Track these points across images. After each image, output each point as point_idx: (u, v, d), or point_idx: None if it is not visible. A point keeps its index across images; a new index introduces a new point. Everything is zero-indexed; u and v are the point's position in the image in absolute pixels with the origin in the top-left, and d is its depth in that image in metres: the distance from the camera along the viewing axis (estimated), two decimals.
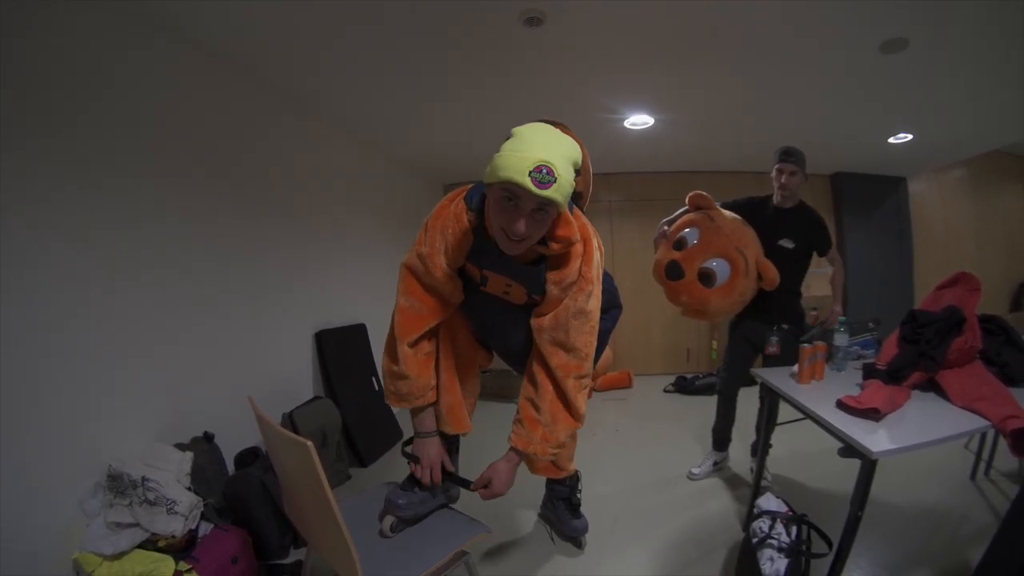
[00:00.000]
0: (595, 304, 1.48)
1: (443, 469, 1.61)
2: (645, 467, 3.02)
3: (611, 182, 5.41)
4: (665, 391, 4.88)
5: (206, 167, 2.38)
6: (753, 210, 2.54)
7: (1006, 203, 5.95)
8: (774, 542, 1.59)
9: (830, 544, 1.57)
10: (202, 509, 1.84)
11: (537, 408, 1.48)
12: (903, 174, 5.59)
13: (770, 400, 2.14)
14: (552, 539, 2.22)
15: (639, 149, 4.44)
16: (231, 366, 2.50)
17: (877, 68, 2.77)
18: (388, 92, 2.99)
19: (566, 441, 1.55)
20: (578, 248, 1.43)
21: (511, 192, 1.19)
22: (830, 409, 1.66)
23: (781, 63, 2.74)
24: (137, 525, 1.65)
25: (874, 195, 5.55)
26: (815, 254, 2.59)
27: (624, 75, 2.90)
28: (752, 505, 1.97)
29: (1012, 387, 1.67)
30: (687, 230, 2.43)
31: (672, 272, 2.39)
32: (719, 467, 2.86)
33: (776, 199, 2.53)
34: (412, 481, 1.60)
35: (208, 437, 2.20)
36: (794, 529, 1.63)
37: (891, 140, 4.29)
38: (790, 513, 1.70)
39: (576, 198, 1.56)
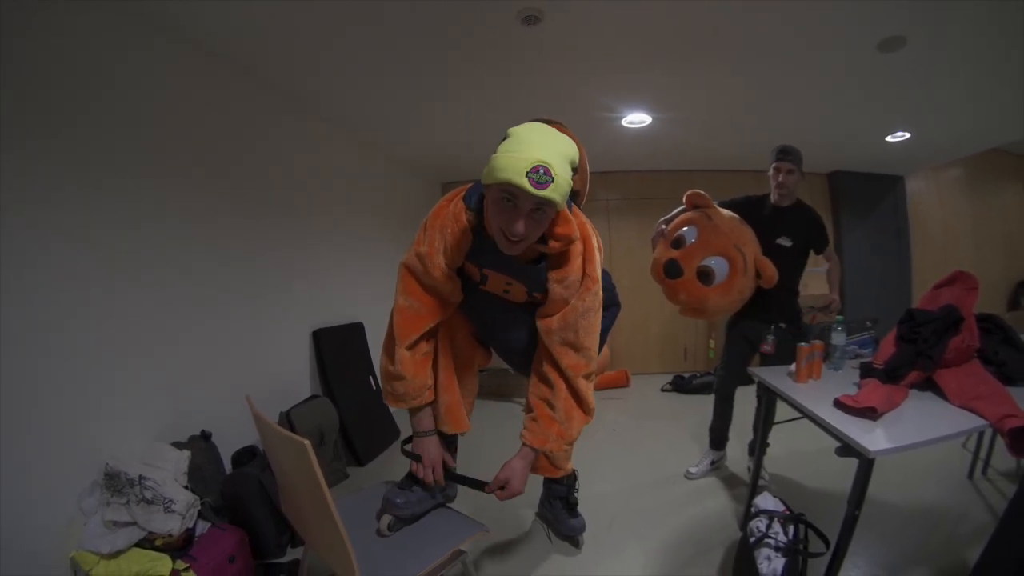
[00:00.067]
0: (600, 303, 1.51)
1: (446, 469, 1.61)
2: (642, 466, 3.02)
3: (609, 180, 5.41)
4: (662, 390, 4.88)
5: (206, 167, 2.39)
6: (751, 209, 2.54)
7: (1004, 202, 5.96)
8: (771, 541, 1.60)
9: (827, 543, 1.57)
10: (199, 508, 1.84)
11: (552, 407, 1.50)
12: (901, 173, 5.59)
13: (767, 399, 2.14)
14: (550, 538, 2.23)
15: (637, 147, 4.45)
16: (230, 366, 2.51)
17: (877, 67, 2.77)
18: (388, 92, 2.99)
19: (577, 437, 1.57)
20: (578, 246, 1.43)
21: (509, 193, 1.19)
22: (827, 408, 1.66)
23: (781, 63, 2.74)
24: (134, 524, 1.66)
25: (872, 194, 5.55)
26: (812, 252, 2.59)
27: (625, 75, 2.90)
28: (749, 504, 1.97)
29: (1010, 386, 1.67)
30: (685, 228, 2.44)
31: (671, 270, 2.39)
32: (716, 466, 2.86)
33: (773, 198, 2.54)
34: (410, 480, 1.61)
35: (205, 436, 2.20)
36: (791, 528, 1.63)
37: (888, 139, 4.30)
38: (787, 512, 1.70)
39: (573, 196, 1.56)
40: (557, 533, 2.22)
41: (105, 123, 1.89)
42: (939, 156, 5.08)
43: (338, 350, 3.38)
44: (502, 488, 1.50)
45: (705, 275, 2.34)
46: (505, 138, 1.23)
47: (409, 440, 1.67)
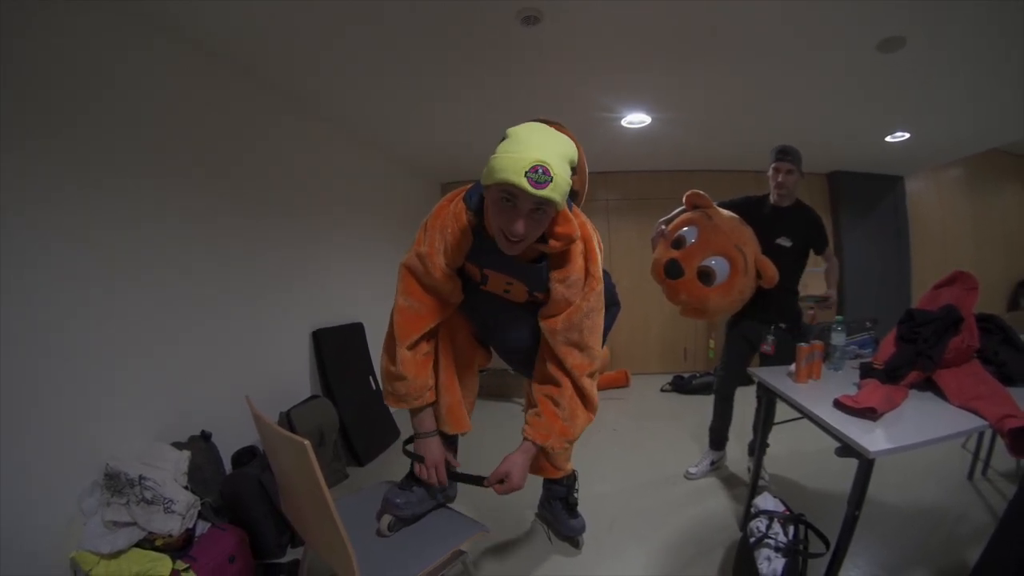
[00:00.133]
0: (603, 302, 1.52)
1: (448, 468, 1.61)
2: (642, 467, 3.02)
3: (608, 181, 5.41)
4: (662, 390, 4.88)
5: (206, 167, 2.39)
6: (750, 209, 2.54)
7: (1004, 202, 5.96)
8: (771, 542, 1.60)
9: (827, 544, 1.58)
10: (199, 508, 1.84)
11: (557, 404, 1.51)
12: (901, 173, 5.60)
13: (767, 399, 2.14)
14: (550, 539, 2.23)
15: (636, 148, 4.45)
16: (230, 366, 2.51)
17: (876, 67, 2.77)
18: (388, 92, 2.99)
19: (579, 436, 1.58)
20: (579, 245, 1.44)
21: (508, 193, 1.19)
22: (827, 408, 1.66)
23: (781, 63, 2.74)
24: (134, 524, 1.66)
25: (872, 194, 5.55)
26: (812, 252, 2.59)
27: (624, 75, 2.90)
28: (749, 504, 1.97)
29: (1010, 386, 1.67)
30: (685, 229, 2.44)
31: (671, 271, 2.39)
32: (716, 466, 2.86)
33: (773, 198, 2.54)
34: (410, 480, 1.61)
35: (205, 436, 2.20)
36: (791, 529, 1.63)
37: (888, 139, 4.30)
38: (787, 513, 1.70)
39: (572, 196, 1.57)
40: (557, 533, 2.22)
41: (105, 123, 1.89)
42: (939, 156, 5.08)
43: (338, 350, 3.38)
44: (501, 482, 1.49)
45: (706, 275, 2.34)
46: (504, 139, 1.24)
47: (410, 440, 1.67)
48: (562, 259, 1.43)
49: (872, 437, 1.44)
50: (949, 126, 3.96)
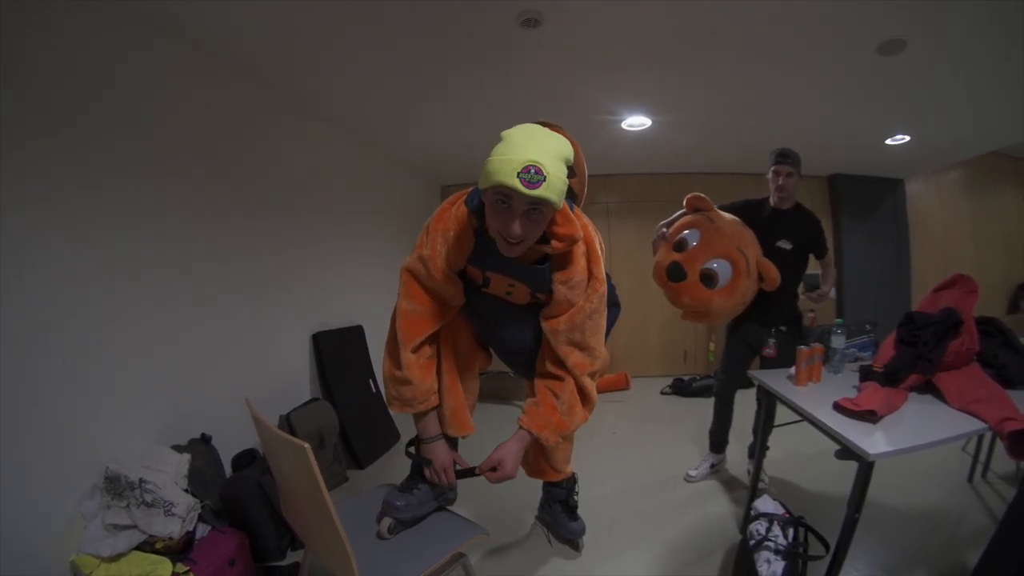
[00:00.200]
0: (605, 303, 1.53)
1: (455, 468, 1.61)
2: (642, 469, 3.02)
3: (608, 183, 5.41)
4: (662, 393, 4.88)
5: (206, 167, 2.39)
6: (750, 212, 2.54)
7: (1004, 204, 5.97)
8: (771, 544, 1.60)
9: (827, 546, 1.57)
10: (199, 511, 1.84)
11: (557, 396, 1.51)
12: (901, 176, 5.60)
13: (767, 402, 2.14)
14: (549, 541, 2.23)
15: (636, 151, 4.45)
16: (230, 367, 2.50)
17: (876, 68, 2.77)
18: (388, 92, 2.99)
19: (573, 433, 1.58)
20: (581, 246, 1.44)
21: (503, 195, 1.19)
22: (827, 411, 1.67)
23: (781, 63, 2.74)
24: (135, 527, 1.65)
25: (872, 197, 5.56)
26: (811, 257, 2.60)
27: (623, 75, 2.90)
28: (749, 507, 1.97)
29: (1009, 389, 1.67)
30: (687, 232, 2.43)
31: (674, 274, 2.38)
32: (716, 469, 2.86)
33: (773, 201, 2.54)
34: (411, 483, 1.61)
35: (206, 439, 2.20)
36: (791, 531, 1.63)
37: (888, 142, 4.30)
38: (787, 515, 1.70)
39: (572, 198, 1.57)
40: (557, 536, 2.22)
41: (105, 123, 1.88)
42: (939, 159, 5.08)
43: (338, 353, 3.38)
44: (494, 469, 1.48)
45: (708, 278, 2.33)
46: (499, 142, 1.24)
47: (412, 443, 1.67)
48: (564, 260, 1.43)
49: (872, 440, 1.44)
50: (949, 128, 3.96)
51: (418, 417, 1.60)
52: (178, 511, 1.70)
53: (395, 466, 3.13)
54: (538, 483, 2.18)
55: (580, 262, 1.44)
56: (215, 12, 2.06)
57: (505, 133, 1.24)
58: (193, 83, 2.31)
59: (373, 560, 1.35)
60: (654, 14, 2.23)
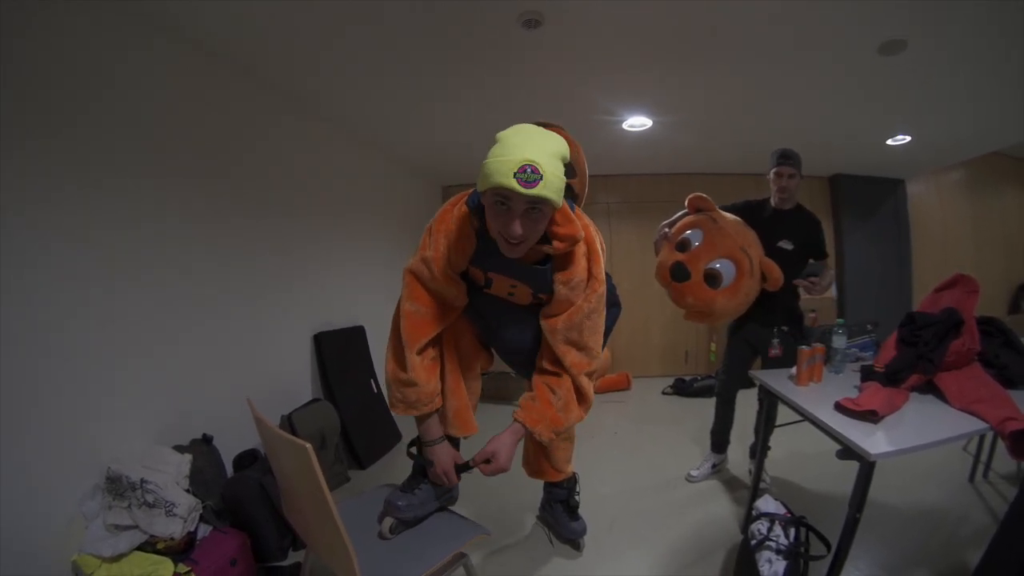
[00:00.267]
0: (604, 303, 1.53)
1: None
2: (643, 469, 3.02)
3: (609, 184, 5.41)
4: (663, 393, 4.88)
5: (206, 167, 2.38)
6: (751, 213, 2.54)
7: (1004, 204, 5.97)
8: (772, 544, 1.60)
9: (828, 546, 1.58)
10: (201, 511, 1.84)
11: (554, 392, 1.52)
12: (901, 176, 5.60)
13: (768, 402, 2.14)
14: (551, 541, 2.23)
15: (637, 151, 4.45)
16: (230, 367, 2.50)
17: (877, 68, 2.77)
18: (388, 92, 2.99)
19: (568, 431, 1.58)
20: (582, 247, 1.44)
21: (502, 196, 1.20)
22: (828, 411, 1.67)
23: (781, 63, 2.74)
24: (136, 527, 1.65)
25: (873, 197, 5.56)
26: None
27: (623, 75, 2.90)
28: (750, 507, 1.97)
29: (1010, 389, 1.67)
30: (689, 232, 2.43)
31: (678, 273, 2.37)
32: (717, 469, 2.86)
33: (774, 201, 2.54)
34: (412, 483, 1.61)
35: (207, 439, 2.19)
36: (792, 531, 1.64)
37: (889, 142, 4.30)
38: (788, 515, 1.70)
39: (572, 198, 1.57)
40: (558, 536, 2.22)
41: (105, 123, 1.88)
42: (940, 159, 5.08)
43: (339, 353, 3.37)
44: (488, 462, 1.48)
45: (712, 278, 2.33)
46: (495, 144, 1.24)
47: (414, 443, 1.67)
48: (566, 261, 1.43)
49: (873, 440, 1.44)
50: (949, 128, 3.96)
51: (420, 420, 1.60)
52: (179, 511, 1.70)
53: (397, 466, 3.12)
54: (539, 483, 2.18)
55: (581, 262, 1.44)
56: (215, 12, 2.06)
57: (500, 135, 1.24)
58: (193, 83, 2.31)
59: (375, 560, 1.35)
60: (654, 14, 2.23)
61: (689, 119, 3.68)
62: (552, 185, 1.18)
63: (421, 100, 3.15)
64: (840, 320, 2.21)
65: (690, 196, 2.50)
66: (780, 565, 1.55)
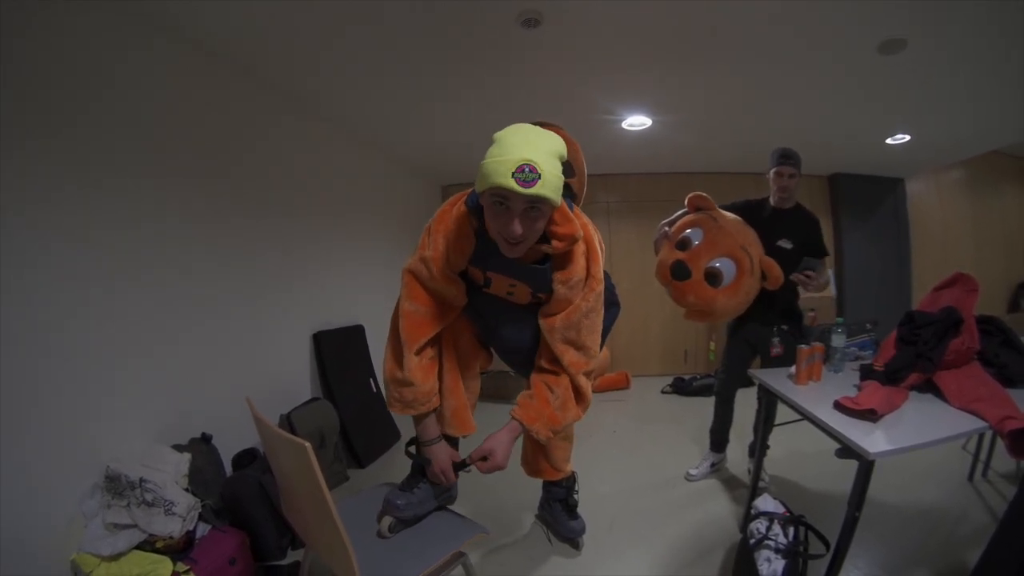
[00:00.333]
0: (602, 302, 1.53)
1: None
2: (642, 468, 3.02)
3: (608, 183, 5.41)
4: (663, 392, 4.88)
5: (206, 167, 2.39)
6: (751, 212, 2.54)
7: (1004, 203, 5.96)
8: (771, 543, 1.60)
9: (827, 545, 1.58)
10: (200, 510, 1.84)
11: (551, 390, 1.52)
12: (901, 175, 5.60)
13: (768, 401, 2.14)
14: (550, 540, 2.23)
15: (637, 150, 4.45)
16: (230, 366, 2.50)
17: (877, 68, 2.77)
18: (388, 92, 2.99)
19: (566, 430, 1.57)
20: (581, 246, 1.45)
21: (500, 196, 1.20)
22: (827, 410, 1.67)
23: (781, 63, 2.74)
24: (135, 526, 1.66)
25: (872, 196, 5.56)
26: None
27: (623, 75, 2.90)
28: (749, 506, 1.97)
29: (1010, 388, 1.67)
30: (690, 230, 2.42)
31: (678, 272, 2.37)
32: (716, 468, 2.86)
33: (774, 200, 2.54)
34: (411, 482, 1.61)
35: (206, 438, 2.20)
36: (791, 530, 1.63)
37: (889, 141, 4.30)
38: (787, 514, 1.70)
39: (571, 197, 1.57)
40: (557, 535, 2.22)
41: (105, 123, 1.88)
42: (939, 158, 5.08)
43: (338, 352, 3.38)
44: (484, 459, 1.47)
45: (713, 276, 2.32)
46: (492, 144, 1.24)
47: (412, 442, 1.67)
48: (565, 260, 1.44)
49: (872, 439, 1.44)
50: (949, 127, 3.96)
51: (418, 419, 1.60)
52: (178, 510, 1.70)
53: (395, 465, 3.13)
54: (538, 482, 2.18)
55: (580, 262, 1.44)
56: (215, 12, 2.06)
57: (497, 135, 1.24)
58: (193, 83, 2.31)
59: (373, 559, 1.35)
60: (654, 14, 2.23)
61: (689, 119, 3.68)
62: (550, 184, 1.18)
63: (421, 100, 3.15)
64: (839, 319, 2.21)
65: (690, 195, 2.50)
66: (779, 564, 1.55)
